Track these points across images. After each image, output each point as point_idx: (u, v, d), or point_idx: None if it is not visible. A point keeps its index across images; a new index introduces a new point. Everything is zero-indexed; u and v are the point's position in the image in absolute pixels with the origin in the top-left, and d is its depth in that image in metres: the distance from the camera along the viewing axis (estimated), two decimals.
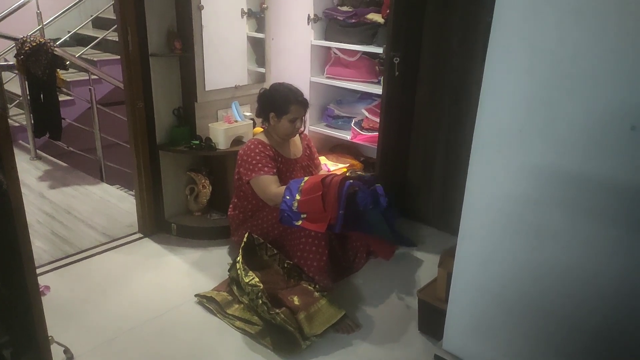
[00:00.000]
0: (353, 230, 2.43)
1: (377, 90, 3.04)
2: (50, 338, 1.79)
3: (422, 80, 2.89)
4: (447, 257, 1.99)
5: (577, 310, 1.45)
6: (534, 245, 1.49)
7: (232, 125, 2.81)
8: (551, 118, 1.36)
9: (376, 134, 2.95)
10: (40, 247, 2.75)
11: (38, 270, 2.46)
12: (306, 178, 2.30)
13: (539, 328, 1.55)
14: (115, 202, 3.39)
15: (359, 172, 3.09)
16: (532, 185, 1.44)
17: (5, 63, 3.66)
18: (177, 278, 2.49)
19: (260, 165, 2.40)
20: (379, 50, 2.91)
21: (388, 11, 2.70)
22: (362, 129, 3.14)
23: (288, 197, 2.23)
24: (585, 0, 1.25)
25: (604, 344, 1.42)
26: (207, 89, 2.77)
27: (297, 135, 2.63)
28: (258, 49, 3.25)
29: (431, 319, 2.07)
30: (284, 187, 2.30)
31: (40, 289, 2.22)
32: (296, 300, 2.11)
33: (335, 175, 2.28)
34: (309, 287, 2.22)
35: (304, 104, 2.49)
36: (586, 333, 1.45)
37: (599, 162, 1.31)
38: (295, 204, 2.21)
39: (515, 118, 1.43)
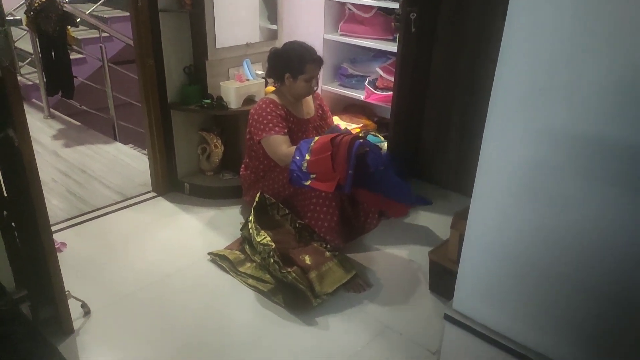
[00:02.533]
0: (364, 189, 2.40)
1: (393, 48, 2.95)
2: (67, 293, 1.84)
3: (439, 38, 2.80)
4: (460, 219, 1.97)
5: (590, 275, 1.43)
6: (548, 210, 1.46)
7: (243, 84, 2.77)
8: (575, 77, 1.30)
9: (390, 93, 2.88)
10: (56, 205, 2.80)
11: (54, 228, 2.51)
12: (316, 138, 2.27)
13: (549, 291, 1.54)
14: (129, 161, 3.41)
15: (370, 132, 3.05)
16: (550, 148, 1.40)
17: (12, 18, 3.61)
18: (190, 236, 2.52)
19: (271, 125, 2.37)
20: (395, 5, 2.81)
21: None
22: (376, 88, 3.07)
23: (298, 157, 2.21)
24: None
25: (616, 310, 1.41)
26: (217, 46, 2.72)
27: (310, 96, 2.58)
28: (270, 5, 3.15)
29: (442, 279, 2.07)
30: (295, 147, 2.28)
31: (57, 246, 2.27)
32: (307, 260, 2.12)
33: (345, 134, 2.24)
34: (320, 246, 2.23)
35: (319, 62, 2.44)
36: (599, 298, 1.43)
37: (623, 126, 1.25)
38: (305, 164, 2.19)
39: (537, 77, 1.37)
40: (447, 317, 1.81)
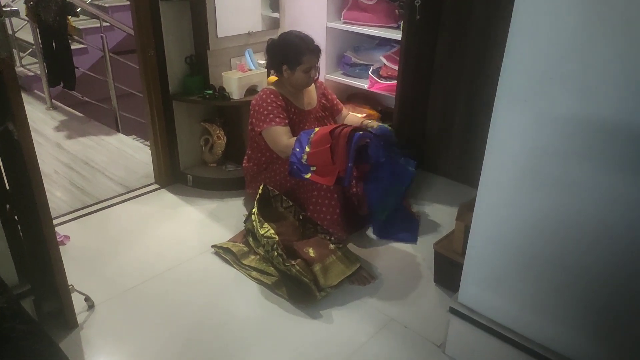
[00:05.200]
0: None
1: (397, 35, 2.90)
2: (70, 287, 1.83)
3: (444, 26, 2.75)
4: (465, 210, 1.95)
5: (597, 265, 1.41)
6: (556, 199, 1.43)
7: (245, 74, 2.73)
8: (585, 64, 1.26)
9: (395, 82, 2.84)
10: (59, 197, 2.79)
11: (57, 221, 2.50)
12: (316, 129, 2.24)
13: (557, 283, 1.52)
14: (132, 153, 3.39)
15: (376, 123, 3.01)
16: (559, 136, 1.37)
17: (9, 9, 3.57)
18: (193, 229, 2.51)
19: (272, 116, 2.34)
20: None
21: None
22: (380, 77, 3.03)
23: (298, 149, 2.18)
24: None
25: (622, 299, 1.39)
26: (219, 35, 2.68)
27: (312, 85, 2.54)
28: None
29: (447, 271, 2.05)
30: (295, 138, 2.25)
31: (60, 239, 2.26)
32: (311, 252, 2.10)
33: (345, 126, 2.20)
34: (325, 239, 2.21)
35: (316, 52, 2.39)
36: (605, 287, 1.41)
37: (633, 113, 1.22)
38: (305, 157, 2.16)
39: (546, 64, 1.33)
40: (453, 310, 1.80)
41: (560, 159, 1.38)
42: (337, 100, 2.72)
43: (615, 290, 1.40)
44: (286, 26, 2.98)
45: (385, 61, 3.02)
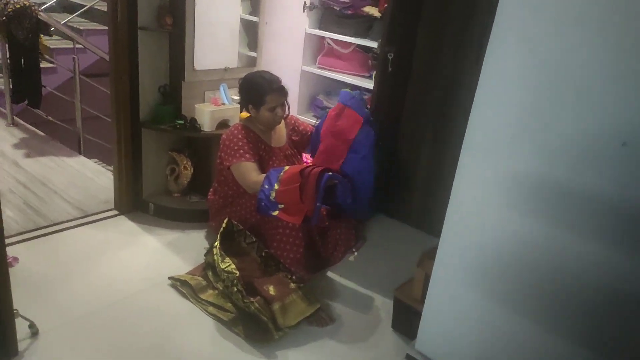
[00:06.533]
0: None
1: (368, 84, 3.01)
2: (15, 311, 1.74)
3: (414, 79, 2.88)
4: (427, 258, 1.99)
5: (551, 321, 1.46)
6: (515, 254, 1.49)
7: (218, 107, 2.76)
8: (543, 128, 1.36)
9: None
10: (11, 216, 2.67)
11: (7, 241, 2.37)
12: (286, 168, 2.26)
13: (510, 337, 1.55)
14: (92, 177, 3.31)
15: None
16: (518, 192, 1.44)
17: None
18: (151, 259, 2.44)
19: (241, 151, 2.36)
20: (374, 44, 2.88)
21: (385, 5, 2.67)
22: None
23: (267, 187, 2.20)
24: (587, 10, 1.24)
25: (578, 352, 1.44)
26: (195, 68, 2.71)
27: (283, 122, 2.58)
28: (251, 33, 3.19)
29: (405, 318, 2.07)
30: (264, 175, 2.26)
31: (8, 260, 2.15)
32: (272, 290, 2.08)
33: (315, 167, 2.24)
34: (286, 277, 2.19)
35: (280, 91, 2.43)
36: (558, 342, 1.46)
37: (588, 176, 1.31)
38: (273, 194, 2.17)
39: (508, 124, 1.42)
40: (409, 357, 1.81)
41: (520, 216, 1.45)
42: (309, 126, 2.74)
43: (576, 350, 1.44)
44: (262, 65, 3.05)
45: None
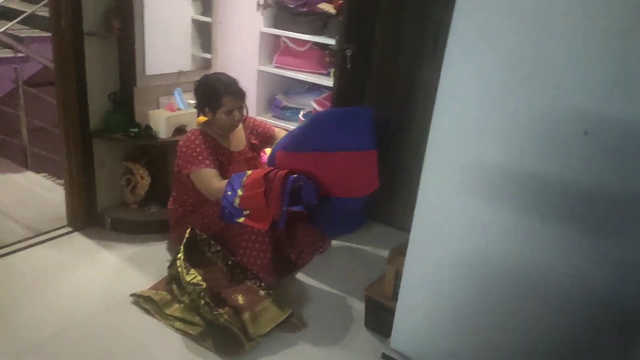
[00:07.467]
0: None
1: (326, 82, 2.98)
2: None
3: (373, 75, 2.86)
4: (397, 255, 1.97)
5: (522, 312, 1.47)
6: (485, 245, 1.49)
7: (174, 113, 2.66)
8: (507, 119, 1.36)
9: None
10: None
11: None
12: (249, 172, 2.19)
13: (483, 328, 1.55)
14: (42, 193, 3.13)
15: None
16: (486, 184, 1.44)
17: None
18: (110, 276, 2.32)
19: (200, 157, 2.27)
20: (330, 41, 2.84)
21: (340, 1, 2.64)
22: None
23: (230, 193, 2.12)
24: (547, 4, 1.24)
25: (548, 345, 1.45)
26: (147, 73, 2.60)
27: (241, 125, 2.51)
28: (204, 34, 3.09)
29: (378, 316, 2.05)
30: (226, 181, 2.19)
31: None
32: (240, 299, 2.02)
33: (279, 170, 2.18)
34: (254, 285, 2.13)
35: (237, 94, 2.36)
36: (531, 334, 1.46)
37: (552, 164, 1.32)
38: (237, 200, 2.10)
39: (472, 118, 1.41)
40: (385, 356, 1.78)
41: (488, 206, 1.45)
42: (268, 126, 2.68)
43: (541, 337, 1.45)
44: (217, 67, 2.96)
45: (315, 105, 3.08)
